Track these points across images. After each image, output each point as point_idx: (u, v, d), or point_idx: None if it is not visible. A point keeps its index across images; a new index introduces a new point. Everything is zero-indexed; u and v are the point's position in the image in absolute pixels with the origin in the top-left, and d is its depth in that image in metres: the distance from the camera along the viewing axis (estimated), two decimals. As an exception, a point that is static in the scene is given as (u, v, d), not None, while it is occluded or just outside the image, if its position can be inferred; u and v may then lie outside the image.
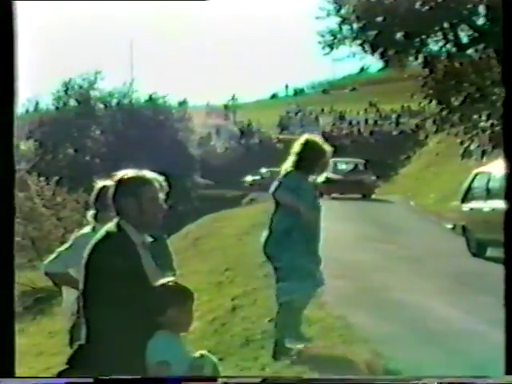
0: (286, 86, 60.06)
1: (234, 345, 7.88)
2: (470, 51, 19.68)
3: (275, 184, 6.92)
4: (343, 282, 10.23)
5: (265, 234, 6.93)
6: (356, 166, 29.45)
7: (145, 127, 38.85)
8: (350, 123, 47.17)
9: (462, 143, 19.33)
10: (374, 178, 29.20)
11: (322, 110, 49.96)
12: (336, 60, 26.10)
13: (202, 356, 3.77)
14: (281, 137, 46.57)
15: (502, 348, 6.73)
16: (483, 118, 18.33)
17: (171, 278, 3.74)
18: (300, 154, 6.82)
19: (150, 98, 43.35)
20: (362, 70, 44.48)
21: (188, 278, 9.47)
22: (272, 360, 6.90)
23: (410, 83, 23.80)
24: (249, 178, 41.38)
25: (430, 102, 21.57)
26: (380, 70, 26.76)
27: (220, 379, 3.80)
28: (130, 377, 3.41)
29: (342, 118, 48.21)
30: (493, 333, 7.36)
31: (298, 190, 6.72)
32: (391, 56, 21.36)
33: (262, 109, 50.35)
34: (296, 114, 50.13)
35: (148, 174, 3.80)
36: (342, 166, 28.79)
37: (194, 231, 20.23)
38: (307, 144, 6.85)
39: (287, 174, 6.88)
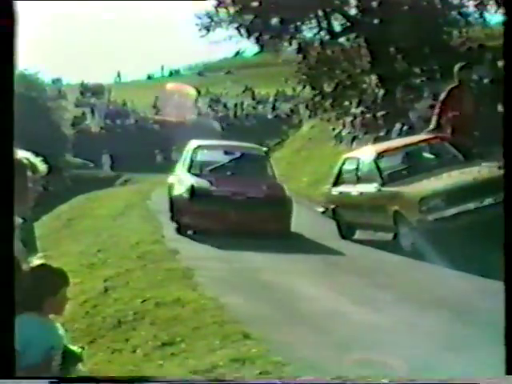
0: (162, 67, 59.53)
1: (105, 326, 7.88)
2: (342, 40, 20.12)
3: None
4: (216, 263, 10.36)
5: None
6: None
7: (15, 104, 37.64)
8: (225, 106, 47.36)
9: (333, 129, 19.79)
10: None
11: (199, 92, 49.89)
12: (212, 42, 26.02)
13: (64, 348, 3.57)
14: (157, 117, 46.24)
15: (368, 326, 7.02)
16: (354, 104, 18.85)
17: (42, 261, 3.61)
18: None
19: (21, 74, 42.01)
20: (238, 53, 44.64)
21: (59, 260, 9.34)
22: (144, 341, 6.95)
23: (284, 68, 24.12)
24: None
25: (304, 87, 21.99)
26: (255, 54, 26.93)
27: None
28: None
29: (217, 100, 48.33)
30: (359, 312, 7.67)
31: None
32: (266, 41, 21.54)
33: (138, 89, 49.75)
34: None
35: (19, 153, 3.70)
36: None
37: (67, 212, 19.89)
38: None
39: None
